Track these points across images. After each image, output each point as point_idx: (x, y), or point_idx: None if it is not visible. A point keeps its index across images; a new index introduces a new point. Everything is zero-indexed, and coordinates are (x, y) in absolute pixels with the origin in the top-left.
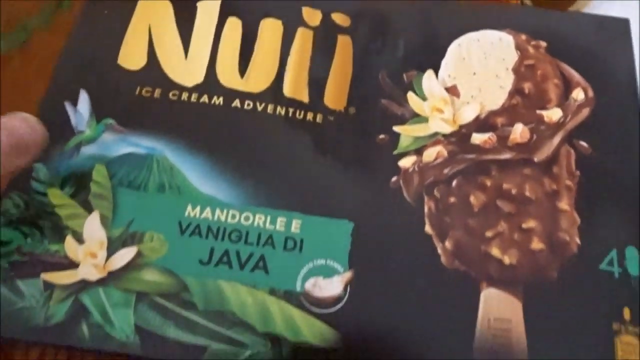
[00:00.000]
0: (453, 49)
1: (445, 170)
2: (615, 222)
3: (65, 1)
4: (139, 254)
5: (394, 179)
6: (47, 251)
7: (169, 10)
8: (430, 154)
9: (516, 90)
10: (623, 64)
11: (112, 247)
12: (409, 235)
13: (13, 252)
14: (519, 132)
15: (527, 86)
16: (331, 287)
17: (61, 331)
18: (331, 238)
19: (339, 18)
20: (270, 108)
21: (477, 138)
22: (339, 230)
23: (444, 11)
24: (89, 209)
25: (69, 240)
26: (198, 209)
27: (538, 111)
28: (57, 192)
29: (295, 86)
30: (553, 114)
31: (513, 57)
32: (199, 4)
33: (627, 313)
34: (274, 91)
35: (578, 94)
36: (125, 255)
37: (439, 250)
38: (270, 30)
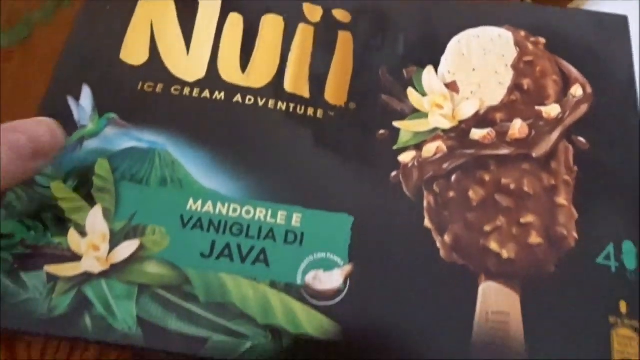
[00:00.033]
0: (453, 45)
1: (445, 165)
2: (613, 217)
3: None
4: (141, 247)
5: (393, 173)
6: (50, 244)
7: (170, 6)
8: (430, 149)
9: (515, 86)
10: (621, 60)
11: (115, 240)
12: (409, 229)
13: (16, 245)
14: (518, 127)
15: (526, 82)
16: (331, 280)
17: (64, 323)
18: (331, 232)
19: (340, 14)
20: (271, 103)
21: (476, 133)
22: (339, 224)
23: (443, 8)
24: (92, 203)
25: (72, 233)
26: (200, 202)
27: (537, 107)
28: (60, 185)
29: (296, 82)
30: (552, 110)
31: (512, 53)
32: (200, 0)
33: (623, 306)
34: (275, 86)
35: (576, 90)
36: (127, 248)
37: (438, 244)
38: (271, 26)
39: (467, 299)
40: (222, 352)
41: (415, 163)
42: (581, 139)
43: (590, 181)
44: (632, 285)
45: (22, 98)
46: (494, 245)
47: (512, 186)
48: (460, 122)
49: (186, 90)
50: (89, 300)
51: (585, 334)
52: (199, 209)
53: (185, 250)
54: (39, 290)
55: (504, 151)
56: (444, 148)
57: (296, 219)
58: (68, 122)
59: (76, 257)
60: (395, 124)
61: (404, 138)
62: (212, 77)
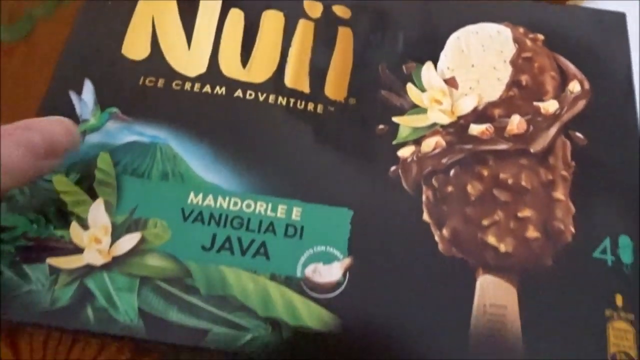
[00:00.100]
0: (452, 41)
1: (443, 160)
2: (609, 212)
3: None
4: (142, 240)
5: (393, 168)
6: (52, 236)
7: (172, 1)
8: (429, 144)
9: (513, 82)
10: (619, 57)
11: (117, 233)
12: (407, 223)
13: (19, 238)
14: (516, 123)
15: (524, 78)
16: (331, 273)
17: (66, 314)
18: (331, 225)
19: (340, 10)
20: (271, 98)
21: (475, 129)
22: (339, 218)
23: (443, 4)
24: (94, 196)
25: (74, 226)
26: (201, 196)
27: (535, 103)
28: (62, 179)
29: (296, 77)
30: (549, 106)
31: (511, 49)
32: None
33: (619, 300)
34: (276, 82)
35: (574, 87)
36: (129, 241)
37: (437, 238)
38: (271, 21)
39: (464, 292)
40: (222, 343)
41: (414, 158)
42: (579, 134)
43: (588, 176)
44: (628, 279)
45: (24, 93)
46: (491, 239)
47: (510, 181)
48: (459, 117)
49: (187, 85)
50: (91, 293)
51: (581, 326)
52: (200, 202)
53: (186, 243)
54: (41, 283)
55: (502, 146)
56: (443, 143)
57: (296, 213)
58: (70, 117)
59: (78, 250)
60: (395, 119)
61: (403, 133)
62: (213, 72)
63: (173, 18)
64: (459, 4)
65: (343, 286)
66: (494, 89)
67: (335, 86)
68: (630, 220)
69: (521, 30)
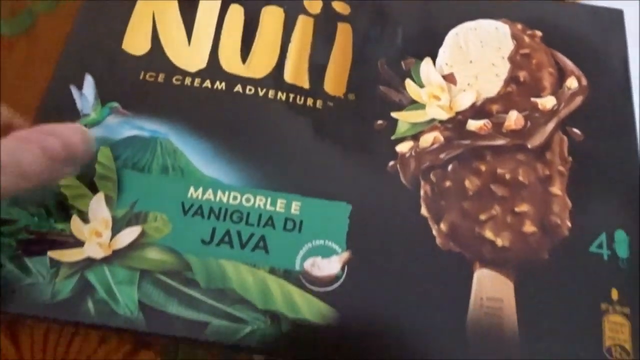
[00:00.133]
0: (450, 37)
1: (442, 155)
2: (606, 207)
3: None
4: (143, 234)
5: (391, 163)
6: (53, 230)
7: None
8: (427, 140)
9: (511, 79)
10: (616, 53)
11: (117, 227)
12: (406, 217)
13: (20, 231)
14: (514, 119)
15: (522, 74)
16: (329, 266)
17: (67, 307)
18: (330, 219)
19: (339, 6)
20: (271, 93)
21: (473, 124)
22: (337, 212)
23: (442, 1)
24: (94, 190)
25: (75, 219)
26: (200, 190)
27: (532, 99)
28: None
29: (296, 72)
30: (547, 102)
31: (509, 46)
32: None
33: (614, 294)
34: (275, 77)
35: (572, 83)
36: (129, 235)
37: (434, 232)
38: (271, 17)
39: (462, 286)
40: (222, 336)
41: (413, 153)
42: (576, 130)
43: (584, 172)
44: (623, 273)
45: (25, 87)
46: (489, 234)
47: (508, 176)
48: (457, 113)
49: (187, 80)
50: (91, 285)
51: (577, 320)
52: (200, 196)
53: (186, 237)
54: (42, 275)
55: (500, 142)
56: (441, 138)
57: (295, 207)
58: (71, 111)
59: (79, 243)
60: (394, 114)
61: (401, 128)
62: (213, 67)
63: (173, 13)
64: (458, 0)
65: (341, 280)
66: (492, 85)
67: (335, 82)
68: (626, 215)
69: (519, 26)
